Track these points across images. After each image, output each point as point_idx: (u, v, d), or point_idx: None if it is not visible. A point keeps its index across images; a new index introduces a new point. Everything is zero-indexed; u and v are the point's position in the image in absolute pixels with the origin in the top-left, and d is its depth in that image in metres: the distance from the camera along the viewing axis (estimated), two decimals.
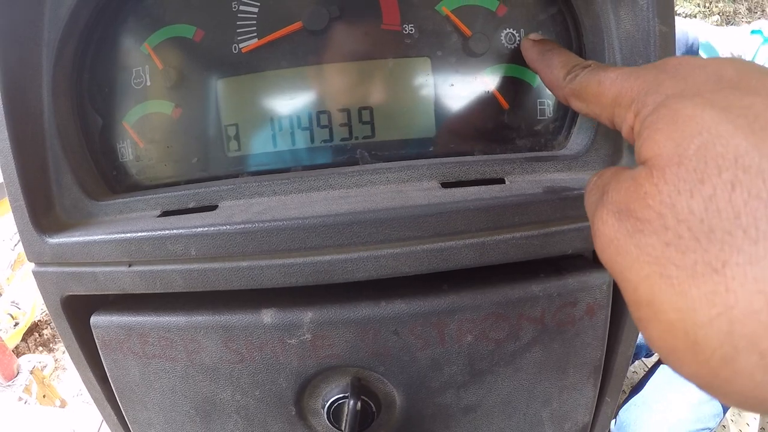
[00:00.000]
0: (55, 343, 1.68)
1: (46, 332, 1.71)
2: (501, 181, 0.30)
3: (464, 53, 0.34)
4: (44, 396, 1.27)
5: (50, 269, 0.33)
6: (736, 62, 0.17)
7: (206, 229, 0.28)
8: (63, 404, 1.33)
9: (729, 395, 0.14)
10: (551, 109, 0.35)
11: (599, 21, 0.32)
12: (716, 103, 0.15)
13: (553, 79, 0.28)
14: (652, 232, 0.15)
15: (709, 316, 0.13)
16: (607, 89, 0.22)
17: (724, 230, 0.13)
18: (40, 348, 1.66)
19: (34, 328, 1.72)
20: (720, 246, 0.13)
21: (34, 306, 1.66)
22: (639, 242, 0.15)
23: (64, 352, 1.64)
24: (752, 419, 1.34)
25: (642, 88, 0.19)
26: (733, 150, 0.14)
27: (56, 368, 1.55)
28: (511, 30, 0.34)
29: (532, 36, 0.32)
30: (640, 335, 0.43)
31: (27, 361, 1.32)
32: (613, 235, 0.16)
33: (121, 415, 0.37)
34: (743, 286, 0.13)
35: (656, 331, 0.15)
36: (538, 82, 0.34)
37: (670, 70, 0.19)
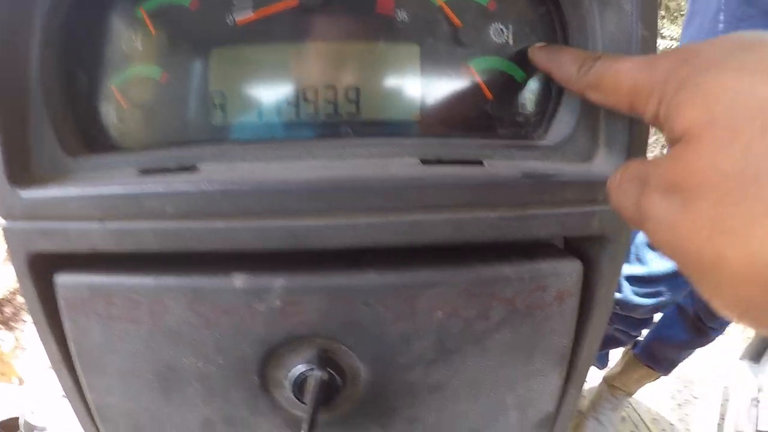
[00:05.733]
0: (16, 321, 1.63)
1: (8, 310, 1.64)
2: (480, 163, 0.31)
3: (453, 43, 0.35)
4: (2, 373, 1.22)
5: (20, 224, 0.32)
6: (737, 33, 0.18)
7: (184, 186, 0.28)
8: (21, 383, 1.28)
9: None
10: (533, 102, 0.36)
11: (585, 22, 0.34)
12: (731, 66, 0.16)
13: (566, 76, 0.29)
14: (704, 196, 0.16)
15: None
16: (624, 80, 0.22)
17: (766, 176, 0.14)
18: (1, 326, 1.60)
19: None
20: (764, 193, 0.14)
21: None
22: (693, 210, 0.16)
23: (24, 332, 1.59)
24: None
25: (660, 77, 0.20)
26: (758, 99, 0.15)
27: (16, 347, 1.50)
28: (500, 25, 0.35)
29: (538, 45, 0.34)
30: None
31: None
32: (665, 215, 0.17)
33: (78, 382, 0.35)
34: None
35: (729, 291, 0.16)
36: (521, 76, 0.36)
37: (683, 56, 0.20)
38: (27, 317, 1.62)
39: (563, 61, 0.29)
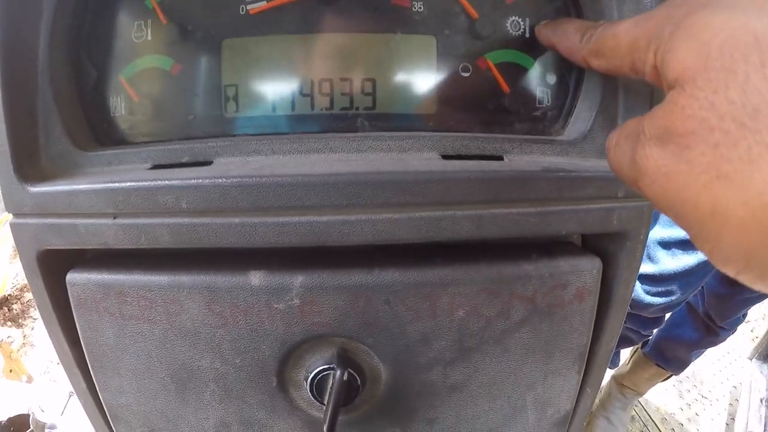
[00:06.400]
0: (24, 318, 1.62)
1: (16, 307, 1.64)
2: (500, 158, 0.30)
3: (470, 35, 0.34)
4: (11, 370, 1.22)
5: (29, 221, 0.31)
6: None
7: (199, 181, 0.27)
8: (29, 380, 1.27)
9: None
10: (549, 96, 0.35)
11: (603, 16, 0.33)
12: (724, 5, 0.16)
13: (570, 45, 0.28)
14: (700, 141, 0.15)
15: (762, 205, 0.13)
16: (623, 39, 0.22)
17: (762, 117, 0.13)
18: (9, 323, 1.59)
19: (4, 303, 1.66)
20: (757, 136, 0.13)
21: (4, 280, 1.60)
22: (688, 157, 0.15)
23: (33, 329, 1.58)
24: None
25: (656, 26, 0.19)
26: (752, 35, 0.14)
27: (24, 344, 1.50)
28: (517, 17, 0.35)
29: (543, 22, 0.33)
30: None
31: None
32: (660, 164, 0.17)
33: (90, 382, 0.35)
34: None
35: (729, 240, 0.15)
36: (538, 69, 0.35)
37: (678, 2, 0.19)
38: (35, 314, 1.62)
39: (567, 31, 0.29)
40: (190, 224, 0.28)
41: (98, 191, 0.29)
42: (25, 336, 1.53)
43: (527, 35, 0.35)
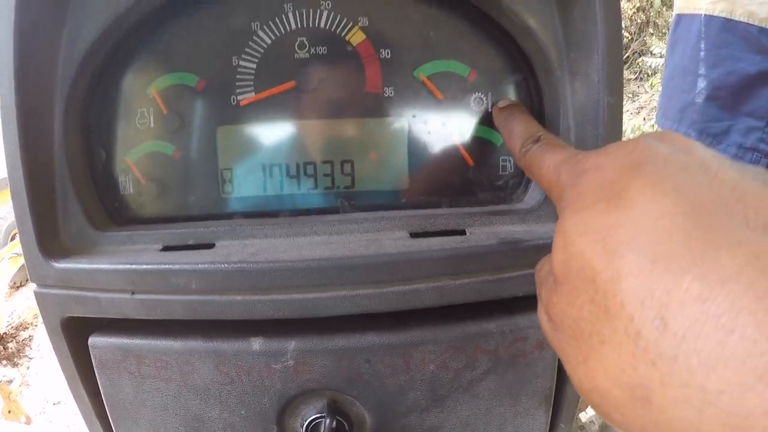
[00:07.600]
0: (20, 357, 1.63)
1: (11, 346, 1.64)
2: (462, 232, 0.35)
3: (437, 114, 0.39)
4: (9, 411, 1.23)
5: (53, 291, 0.36)
6: (619, 164, 0.20)
7: (206, 266, 0.32)
8: (28, 421, 1.29)
9: None
10: (512, 165, 0.40)
11: (557, 91, 0.37)
12: (588, 226, 0.19)
13: (512, 149, 0.33)
14: (559, 331, 0.21)
15: (589, 390, 0.19)
16: (544, 176, 0.27)
17: (587, 333, 0.19)
18: (5, 362, 1.60)
19: None
20: (585, 345, 0.19)
21: (0, 319, 1.61)
22: (555, 337, 0.21)
23: (28, 368, 1.59)
24: None
25: (561, 189, 0.24)
26: (592, 273, 0.18)
27: (21, 383, 1.51)
28: (480, 94, 0.39)
29: (500, 103, 0.37)
30: None
31: None
32: (546, 329, 0.22)
33: (110, 431, 0.39)
34: (598, 374, 0.18)
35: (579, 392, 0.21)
36: (501, 141, 0.39)
37: (574, 178, 0.23)
38: (31, 353, 1.62)
39: (512, 132, 0.33)
40: (200, 301, 0.33)
41: (117, 271, 0.34)
42: (22, 375, 1.53)
43: (490, 109, 0.39)
